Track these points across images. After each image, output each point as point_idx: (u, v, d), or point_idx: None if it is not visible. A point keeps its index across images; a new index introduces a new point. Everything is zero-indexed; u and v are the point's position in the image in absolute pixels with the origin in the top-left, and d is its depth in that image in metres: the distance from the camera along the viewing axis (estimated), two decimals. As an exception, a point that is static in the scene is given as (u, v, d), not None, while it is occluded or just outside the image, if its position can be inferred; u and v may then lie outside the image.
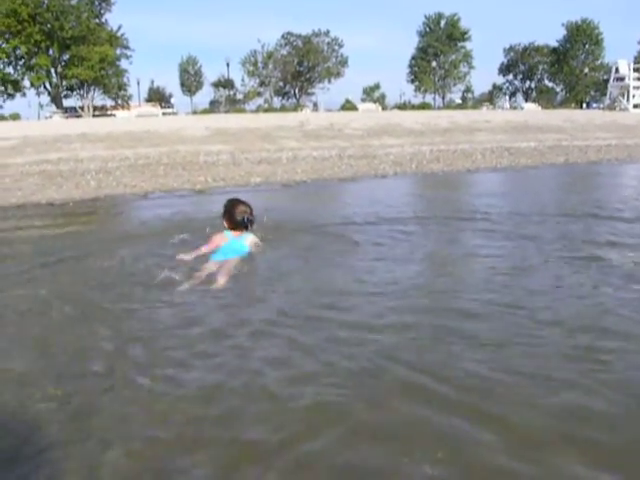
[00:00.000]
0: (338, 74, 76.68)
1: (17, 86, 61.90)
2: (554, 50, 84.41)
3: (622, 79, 68.38)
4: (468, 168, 14.64)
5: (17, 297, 4.15)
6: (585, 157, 17.65)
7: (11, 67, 60.26)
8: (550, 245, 5.54)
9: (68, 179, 11.49)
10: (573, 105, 74.86)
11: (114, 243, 5.88)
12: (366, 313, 3.74)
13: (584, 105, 77.89)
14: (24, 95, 63.67)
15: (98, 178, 11.66)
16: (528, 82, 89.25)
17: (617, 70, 70.01)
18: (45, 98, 63.23)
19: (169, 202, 9.19)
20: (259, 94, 75.19)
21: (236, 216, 5.36)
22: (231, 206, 5.47)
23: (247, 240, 5.29)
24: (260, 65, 74.76)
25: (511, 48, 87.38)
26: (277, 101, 75.17)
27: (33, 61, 57.48)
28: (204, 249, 5.19)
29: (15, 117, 50.16)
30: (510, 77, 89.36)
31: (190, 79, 76.44)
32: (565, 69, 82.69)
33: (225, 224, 5.41)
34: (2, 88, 62.40)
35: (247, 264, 4.95)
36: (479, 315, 3.68)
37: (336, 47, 76.00)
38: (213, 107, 67.13)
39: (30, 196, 9.72)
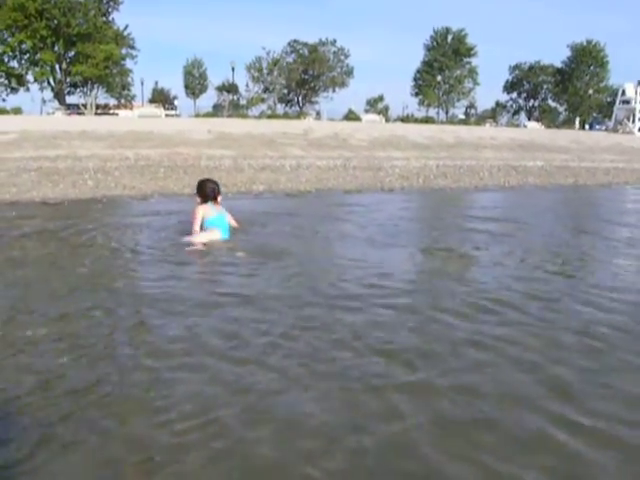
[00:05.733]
0: (343, 84, 76.53)
1: (21, 80, 61.54)
2: (559, 70, 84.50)
3: (628, 102, 68.23)
4: (476, 185, 14.29)
5: None
6: (594, 179, 17.37)
7: (15, 61, 59.99)
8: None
9: (65, 177, 11.11)
10: (577, 127, 74.72)
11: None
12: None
13: (586, 126, 77.78)
14: (27, 90, 63.32)
15: (96, 178, 11.29)
16: (532, 101, 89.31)
17: (623, 93, 69.88)
18: (48, 94, 62.94)
19: (167, 207, 8.83)
20: (263, 100, 74.92)
21: (206, 190, 6.53)
22: (202, 183, 6.67)
23: (229, 218, 6.62)
24: (265, 71, 74.55)
25: (517, 66, 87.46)
26: (280, 108, 74.92)
27: (38, 56, 57.10)
28: (196, 227, 6.28)
29: (17, 111, 49.60)
30: (514, 95, 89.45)
31: (194, 82, 76.13)
32: (569, 89, 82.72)
33: (198, 199, 6.52)
34: (6, 82, 62.13)
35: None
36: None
37: (342, 57, 75.91)
38: (216, 111, 66.70)
39: (24, 193, 9.35)
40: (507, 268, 5.41)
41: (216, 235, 6.28)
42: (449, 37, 78.62)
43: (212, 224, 6.31)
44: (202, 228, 6.30)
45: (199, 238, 6.19)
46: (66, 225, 6.90)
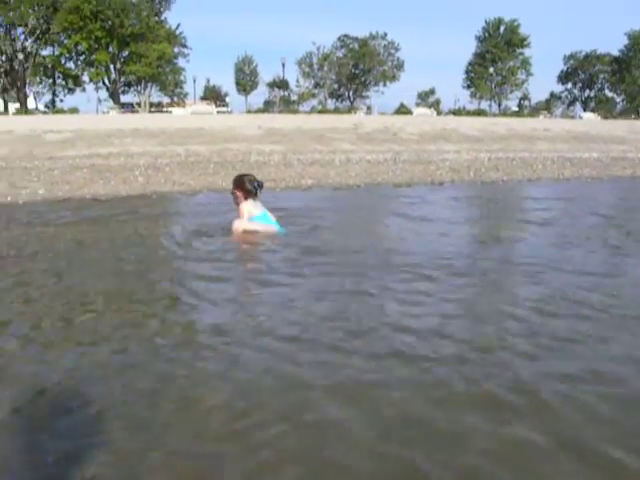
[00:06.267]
0: (393, 78, 75.91)
1: (77, 81, 63.29)
2: (616, 59, 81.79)
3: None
4: (529, 178, 13.89)
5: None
6: (655, 170, 16.69)
7: (72, 62, 61.71)
8: None
9: (117, 174, 11.26)
10: (633, 116, 72.23)
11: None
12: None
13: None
14: (84, 90, 65.13)
15: (147, 174, 11.40)
16: (587, 91, 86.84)
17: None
18: (103, 93, 64.49)
19: (213, 203, 8.83)
20: (313, 95, 74.99)
21: (247, 185, 6.21)
22: (242, 178, 6.36)
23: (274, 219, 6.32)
24: (315, 67, 74.54)
25: (571, 56, 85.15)
26: (331, 103, 74.82)
27: (93, 57, 58.53)
28: (246, 221, 6.05)
29: (74, 111, 51.00)
30: (569, 85, 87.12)
31: (245, 78, 76.61)
32: (627, 79, 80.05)
33: (240, 195, 6.20)
34: (63, 83, 63.94)
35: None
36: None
37: (392, 50, 75.28)
38: (267, 107, 67.10)
39: (76, 190, 9.50)
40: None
41: (271, 228, 6.13)
42: (501, 28, 77.03)
43: (262, 220, 6.13)
44: None
45: (256, 226, 6.04)
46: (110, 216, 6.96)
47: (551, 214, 8.26)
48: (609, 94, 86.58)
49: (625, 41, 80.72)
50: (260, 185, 6.27)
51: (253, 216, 6.09)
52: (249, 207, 6.11)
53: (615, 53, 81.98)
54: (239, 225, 6.05)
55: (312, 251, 5.44)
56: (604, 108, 78.93)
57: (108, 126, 20.08)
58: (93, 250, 5.51)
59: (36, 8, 57.29)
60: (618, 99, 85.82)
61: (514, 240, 6.48)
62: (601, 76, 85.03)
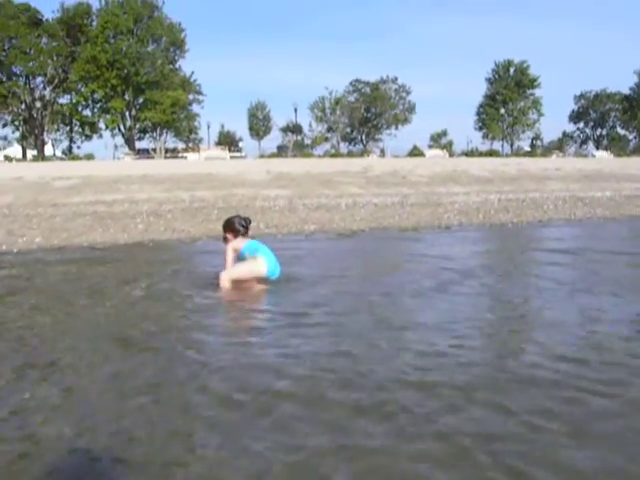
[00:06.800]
0: (405, 120, 76.44)
1: (93, 128, 64.42)
2: (626, 97, 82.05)
3: None
4: (539, 219, 13.60)
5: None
6: (669, 210, 16.33)
7: (88, 110, 62.89)
8: None
9: (117, 221, 11.16)
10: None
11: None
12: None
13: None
14: (100, 137, 66.24)
15: (148, 221, 11.28)
16: (599, 129, 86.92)
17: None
18: (120, 139, 65.46)
19: (208, 251, 8.67)
20: (326, 139, 75.54)
21: (235, 225, 6.28)
22: (228, 222, 6.39)
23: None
24: (328, 111, 75.29)
25: (582, 95, 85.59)
26: (344, 147, 75.27)
27: (109, 104, 59.59)
28: (228, 263, 6.03)
29: (89, 157, 51.71)
30: (581, 125, 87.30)
31: (258, 124, 77.49)
32: (638, 116, 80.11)
33: (231, 236, 6.24)
34: (80, 130, 65.11)
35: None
36: None
37: (404, 94, 75.99)
38: (281, 151, 67.60)
39: (74, 238, 9.37)
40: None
41: (260, 266, 5.96)
42: (511, 69, 77.63)
43: (249, 251, 6.08)
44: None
45: (241, 271, 5.96)
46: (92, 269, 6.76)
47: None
48: (621, 132, 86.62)
49: (635, 79, 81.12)
50: (248, 222, 6.37)
51: (240, 249, 6.10)
52: (234, 244, 6.16)
53: (625, 91, 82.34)
54: (224, 278, 5.92)
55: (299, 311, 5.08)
56: (617, 146, 78.73)
57: (117, 172, 20.17)
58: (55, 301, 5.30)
59: (55, 58, 58.76)
60: (630, 136, 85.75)
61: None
62: (612, 114, 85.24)
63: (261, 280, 6.00)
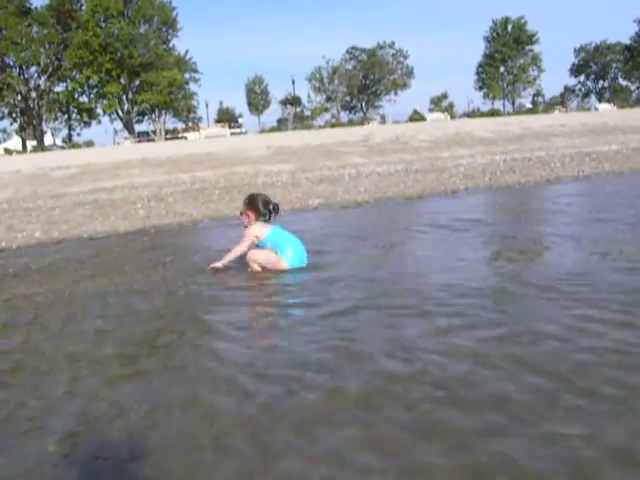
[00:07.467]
0: (404, 85, 75.63)
1: (91, 114, 63.97)
2: (627, 47, 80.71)
3: None
4: (547, 178, 13.31)
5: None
6: (679, 159, 16.00)
7: (85, 96, 62.39)
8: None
9: (118, 208, 10.96)
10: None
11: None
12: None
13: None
14: (99, 122, 65.85)
15: (149, 206, 11.08)
16: (601, 82, 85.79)
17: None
18: (119, 124, 65.05)
19: (211, 235, 8.47)
20: (326, 110, 74.89)
21: (260, 206, 5.53)
22: (253, 199, 5.64)
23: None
24: (326, 81, 74.51)
25: (582, 48, 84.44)
26: (344, 116, 74.59)
27: (105, 89, 59.05)
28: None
29: (89, 144, 51.37)
30: (582, 78, 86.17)
31: (257, 98, 76.86)
32: (640, 66, 78.95)
33: (248, 216, 5.55)
34: (78, 117, 64.70)
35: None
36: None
37: (401, 58, 75.10)
38: (281, 125, 67.01)
39: (73, 230, 9.18)
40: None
41: (282, 262, 5.40)
42: (509, 27, 76.55)
43: (272, 243, 5.45)
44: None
45: (263, 258, 5.41)
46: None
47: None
48: (623, 83, 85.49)
49: (635, 28, 79.70)
50: (276, 209, 5.64)
51: (262, 239, 5.46)
52: (256, 230, 5.49)
53: (626, 41, 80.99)
54: (252, 258, 5.47)
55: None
56: (619, 97, 77.74)
57: (116, 158, 19.95)
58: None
59: (47, 46, 58.16)
60: (633, 87, 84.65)
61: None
62: (614, 65, 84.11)
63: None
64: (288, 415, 2.66)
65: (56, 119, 65.13)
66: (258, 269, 5.45)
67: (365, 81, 75.03)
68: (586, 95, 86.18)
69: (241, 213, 5.73)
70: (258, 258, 5.43)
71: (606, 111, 53.35)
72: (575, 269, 4.93)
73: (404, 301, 4.24)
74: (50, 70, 59.17)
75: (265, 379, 3.06)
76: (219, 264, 5.56)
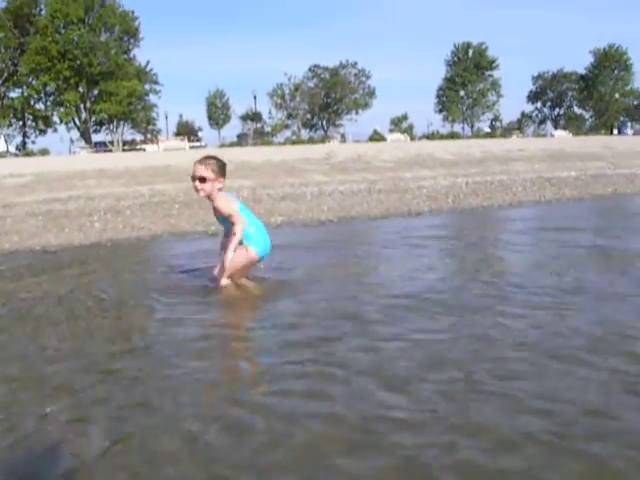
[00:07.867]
0: (366, 105, 76.42)
1: (47, 122, 62.69)
2: (582, 77, 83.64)
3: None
4: (510, 202, 13.39)
5: None
6: (635, 187, 16.33)
7: (41, 103, 61.15)
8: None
9: (73, 220, 10.54)
10: (603, 132, 73.31)
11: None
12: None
13: (615, 131, 76.41)
14: (55, 131, 64.54)
15: (105, 219, 10.70)
16: (557, 109, 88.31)
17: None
18: (75, 133, 63.86)
19: (169, 251, 8.16)
20: (287, 126, 75.03)
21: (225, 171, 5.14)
22: (223, 164, 5.19)
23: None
24: (287, 97, 74.71)
25: (539, 76, 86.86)
26: (305, 133, 74.81)
27: (62, 97, 57.99)
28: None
29: (44, 152, 50.13)
30: (539, 105, 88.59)
31: (217, 112, 76.56)
32: (594, 95, 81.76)
33: (214, 183, 5.02)
34: (33, 124, 63.26)
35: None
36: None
37: (363, 78, 75.92)
38: (241, 140, 66.74)
39: (26, 241, 8.76)
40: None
41: (251, 252, 4.91)
42: (470, 52, 78.24)
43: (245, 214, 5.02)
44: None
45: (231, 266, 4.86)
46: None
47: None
48: (578, 111, 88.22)
49: (591, 59, 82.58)
50: None
51: (236, 208, 4.96)
52: (233, 203, 4.99)
53: (581, 71, 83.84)
54: (224, 282, 4.98)
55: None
56: (574, 125, 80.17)
57: (72, 167, 19.38)
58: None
59: (2, 50, 56.89)
60: (587, 115, 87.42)
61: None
62: (569, 94, 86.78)
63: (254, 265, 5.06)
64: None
65: (10, 125, 63.58)
66: (226, 282, 4.95)
67: (327, 99, 75.53)
68: (542, 121, 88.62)
69: (202, 180, 4.99)
70: (234, 265, 4.89)
71: (562, 138, 54.72)
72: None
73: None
74: (5, 75, 57.87)
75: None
76: (225, 281, 4.99)
